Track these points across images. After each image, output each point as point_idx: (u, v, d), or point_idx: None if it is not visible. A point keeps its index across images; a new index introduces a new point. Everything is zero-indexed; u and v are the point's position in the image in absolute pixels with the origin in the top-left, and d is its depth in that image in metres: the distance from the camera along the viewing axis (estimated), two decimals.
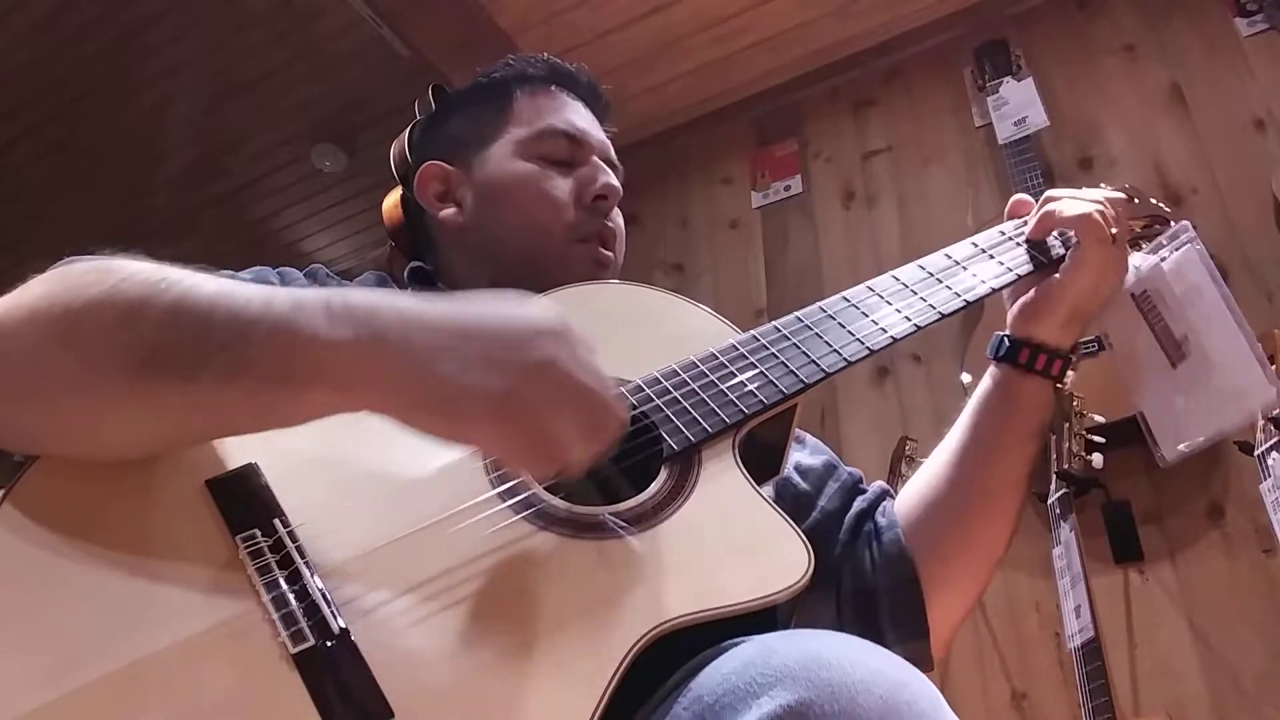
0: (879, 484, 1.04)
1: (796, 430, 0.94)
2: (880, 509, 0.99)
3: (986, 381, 0.97)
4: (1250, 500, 1.95)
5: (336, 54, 3.02)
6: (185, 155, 3.36)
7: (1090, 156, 2.54)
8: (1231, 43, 2.49)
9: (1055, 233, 0.98)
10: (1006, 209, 1.04)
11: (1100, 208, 0.94)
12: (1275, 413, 1.58)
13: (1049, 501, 1.90)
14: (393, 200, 1.16)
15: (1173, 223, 1.02)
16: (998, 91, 2.54)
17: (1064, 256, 0.96)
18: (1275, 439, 1.57)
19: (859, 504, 0.99)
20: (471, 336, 0.62)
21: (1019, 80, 2.54)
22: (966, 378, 2.27)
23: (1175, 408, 0.94)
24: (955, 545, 0.94)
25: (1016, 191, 2.44)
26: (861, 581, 0.94)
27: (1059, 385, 0.95)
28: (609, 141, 1.08)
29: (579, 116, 1.05)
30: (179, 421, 0.64)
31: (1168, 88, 2.53)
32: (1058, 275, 0.94)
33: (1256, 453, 1.61)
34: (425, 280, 1.02)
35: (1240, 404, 0.92)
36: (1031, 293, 0.96)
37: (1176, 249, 0.96)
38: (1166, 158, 2.45)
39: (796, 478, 1.00)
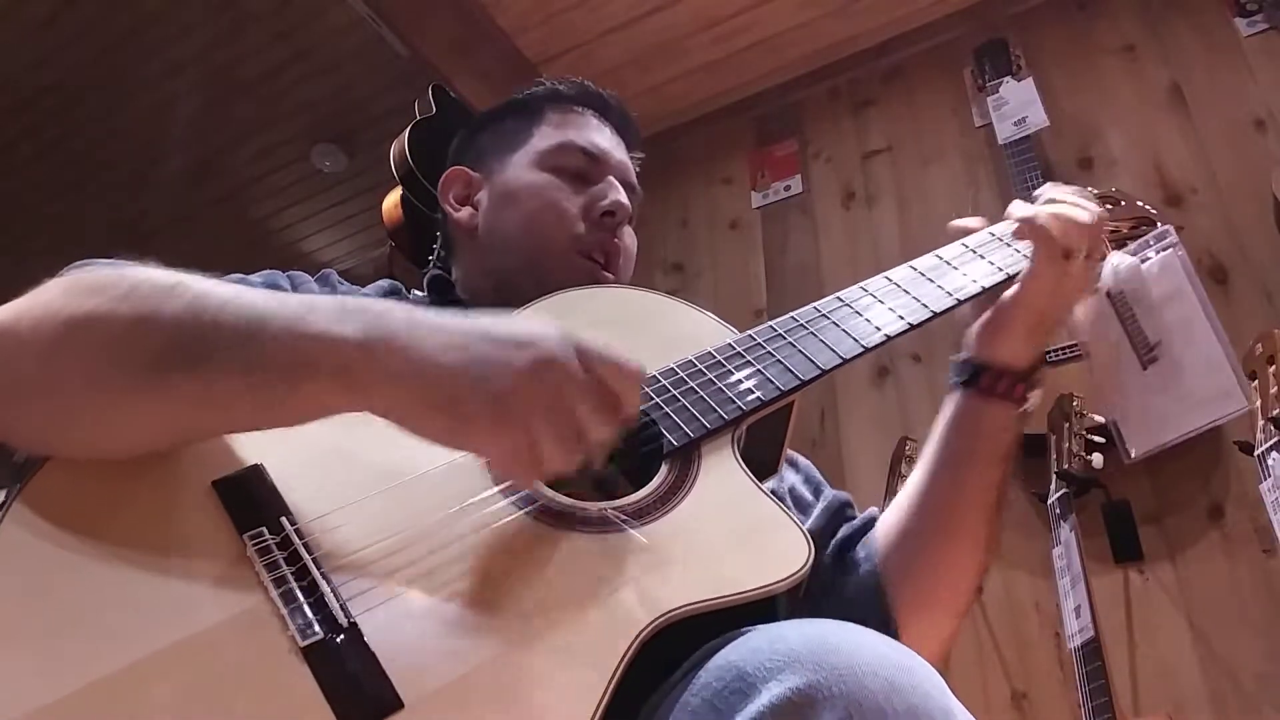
0: (870, 511, 1.01)
1: (790, 453, 0.95)
2: (863, 541, 0.97)
3: (949, 406, 0.95)
4: (1250, 500, 1.95)
5: (336, 54, 3.02)
6: (185, 155, 3.36)
7: (1090, 156, 2.55)
8: (1231, 43, 2.49)
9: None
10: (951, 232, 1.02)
11: (1060, 216, 0.91)
12: (1275, 413, 1.58)
13: (1049, 501, 1.91)
14: (393, 200, 1.17)
15: (1159, 224, 1.04)
16: (998, 91, 2.54)
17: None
18: (1275, 439, 1.58)
19: (845, 530, 0.98)
20: (474, 342, 0.63)
21: (1019, 80, 2.54)
22: None
23: (1143, 408, 0.95)
24: (928, 575, 0.92)
25: (1017, 191, 2.47)
26: (840, 612, 0.91)
27: (1023, 408, 0.92)
28: (631, 165, 1.10)
29: (602, 138, 1.08)
30: (189, 416, 0.64)
31: (1168, 88, 2.53)
32: (1013, 289, 0.92)
33: (1256, 453, 1.61)
34: (444, 289, 1.03)
35: (1208, 411, 0.93)
36: (990, 313, 0.94)
37: (1158, 252, 0.97)
38: (1166, 158, 2.45)
39: (789, 500, 0.99)
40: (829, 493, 1.03)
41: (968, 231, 0.99)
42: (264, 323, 0.63)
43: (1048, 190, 0.99)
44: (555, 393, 0.62)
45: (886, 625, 0.91)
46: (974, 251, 0.97)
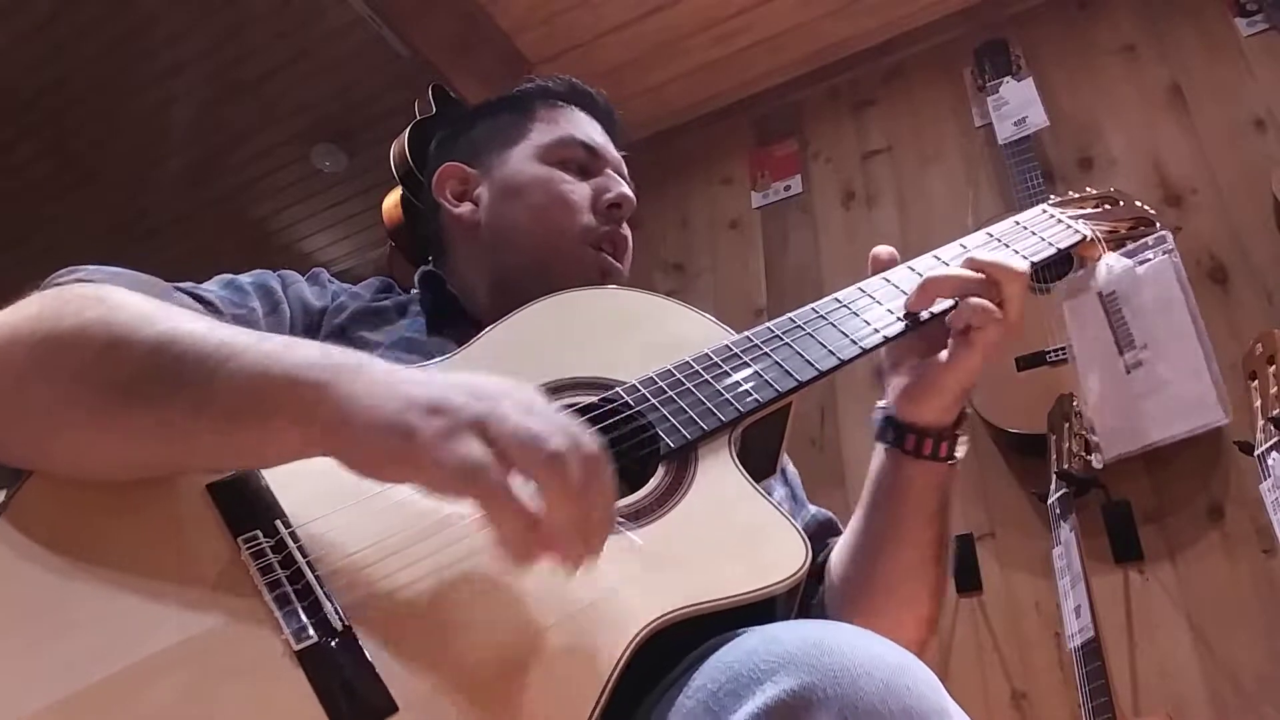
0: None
1: (784, 458, 0.94)
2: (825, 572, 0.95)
3: (876, 462, 0.91)
4: (1250, 500, 1.95)
5: (336, 54, 3.02)
6: (185, 155, 3.36)
7: (1090, 156, 2.54)
8: (1231, 43, 2.49)
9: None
10: (870, 260, 0.94)
11: (1017, 295, 0.84)
12: (1275, 413, 1.58)
13: (1049, 501, 1.90)
14: (393, 200, 1.17)
15: (1157, 224, 1.03)
16: (998, 91, 2.54)
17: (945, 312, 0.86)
18: (1275, 439, 1.58)
19: (823, 555, 0.96)
20: (434, 378, 0.61)
21: (1019, 80, 2.54)
22: None
23: (1120, 411, 0.95)
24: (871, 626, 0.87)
25: (1017, 191, 2.47)
26: None
27: (953, 462, 0.88)
28: (622, 160, 1.11)
29: (596, 133, 1.09)
30: (155, 453, 0.64)
31: (1168, 88, 2.53)
32: (944, 358, 0.85)
33: (1256, 453, 1.61)
34: (435, 285, 1.02)
35: (1187, 420, 0.92)
36: (913, 375, 0.88)
37: (1153, 257, 0.97)
38: (1166, 158, 2.45)
39: None
40: (809, 510, 1.02)
41: (881, 259, 0.93)
42: (226, 362, 0.62)
43: (970, 250, 0.91)
44: (509, 411, 0.58)
45: None
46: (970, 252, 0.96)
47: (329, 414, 0.59)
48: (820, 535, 0.99)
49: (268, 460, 0.65)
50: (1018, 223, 1.00)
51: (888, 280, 0.92)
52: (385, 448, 0.58)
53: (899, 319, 0.87)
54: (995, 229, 0.99)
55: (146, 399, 0.62)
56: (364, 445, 0.59)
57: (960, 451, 0.88)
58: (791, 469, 1.06)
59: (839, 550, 0.94)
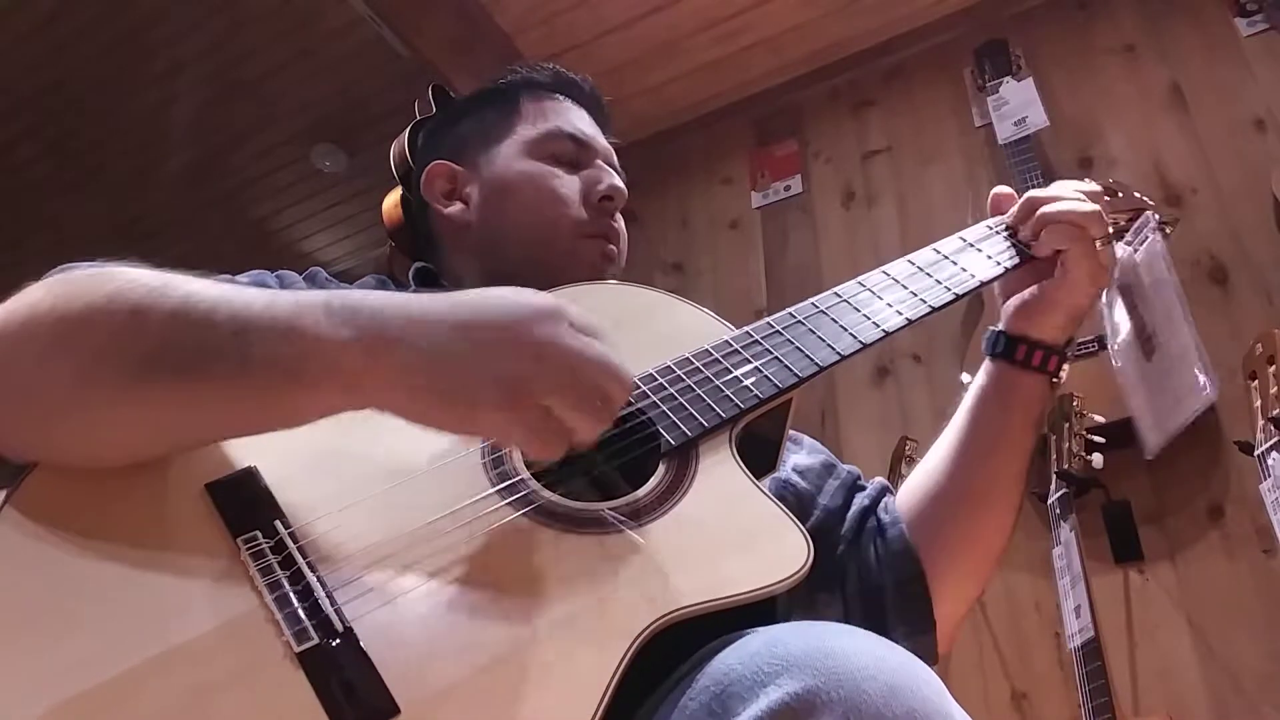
0: (878, 480, 1.04)
1: (793, 432, 0.95)
2: (882, 505, 1.00)
3: (983, 377, 0.99)
4: (1250, 500, 1.95)
5: (336, 54, 3.02)
6: (186, 155, 3.36)
7: (1090, 156, 2.54)
8: (1231, 43, 2.49)
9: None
10: (989, 202, 1.04)
11: (1085, 210, 0.94)
12: (1275, 413, 1.58)
13: (1049, 501, 1.90)
14: (393, 200, 1.17)
15: (1156, 215, 1.04)
16: (998, 91, 2.54)
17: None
18: (1275, 439, 1.57)
19: (860, 500, 1.00)
20: (472, 326, 0.63)
21: (1019, 80, 2.54)
22: (966, 378, 2.26)
23: (1152, 400, 0.96)
24: (959, 539, 0.95)
25: (1016, 192, 2.45)
26: (867, 579, 0.95)
27: (1055, 380, 0.96)
28: (612, 149, 1.10)
29: (584, 123, 1.08)
30: (182, 424, 0.64)
31: (1168, 88, 2.53)
32: (1053, 280, 0.95)
33: (1256, 453, 1.61)
34: (430, 281, 1.02)
35: (1186, 405, 0.94)
36: (1028, 294, 0.97)
37: (1143, 241, 0.98)
38: (1166, 158, 2.45)
39: (796, 478, 1.01)
40: (842, 468, 1.04)
41: (1002, 195, 1.03)
42: (255, 326, 0.62)
43: (1037, 193, 1.00)
44: (563, 365, 0.62)
45: (918, 584, 0.93)
46: (971, 245, 0.97)
47: (380, 390, 0.62)
48: (854, 487, 1.02)
49: (305, 422, 0.65)
50: None
51: (887, 274, 0.93)
52: (451, 417, 0.63)
53: (998, 263, 0.94)
54: (993, 221, 1.00)
55: (173, 372, 0.62)
56: (426, 416, 0.63)
57: (1064, 373, 0.96)
58: (808, 438, 1.08)
59: (920, 474, 0.99)
